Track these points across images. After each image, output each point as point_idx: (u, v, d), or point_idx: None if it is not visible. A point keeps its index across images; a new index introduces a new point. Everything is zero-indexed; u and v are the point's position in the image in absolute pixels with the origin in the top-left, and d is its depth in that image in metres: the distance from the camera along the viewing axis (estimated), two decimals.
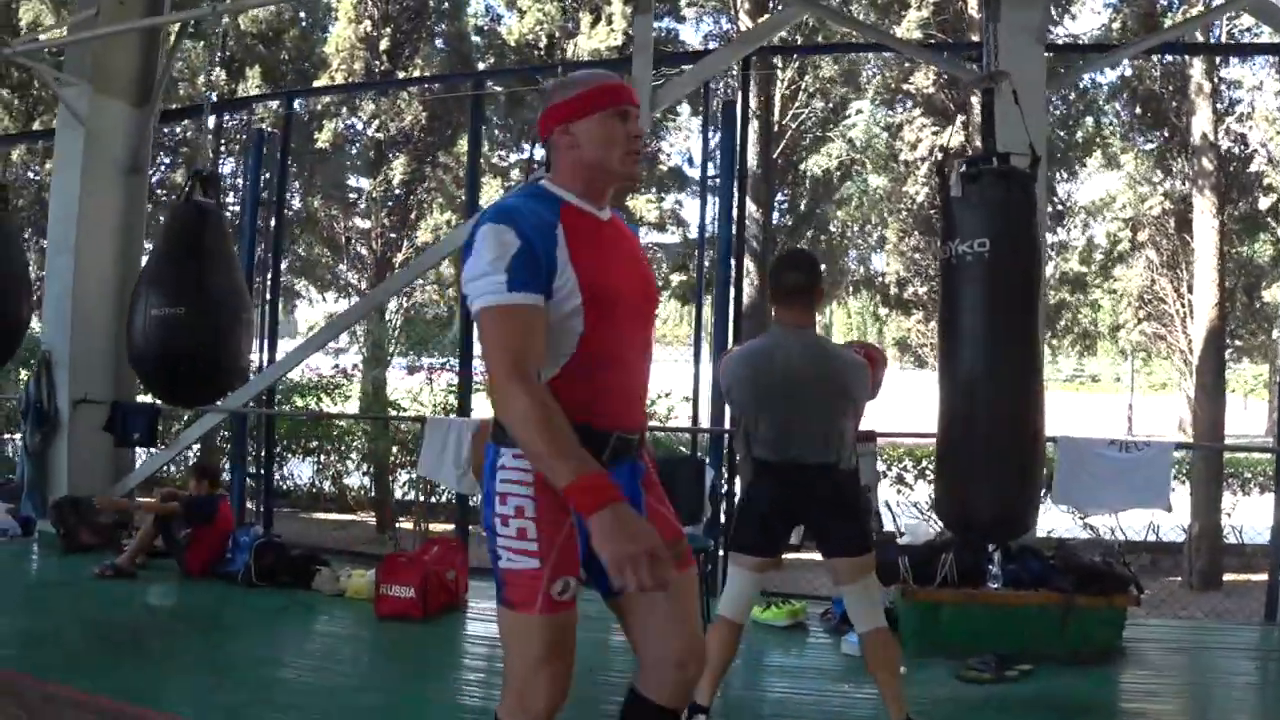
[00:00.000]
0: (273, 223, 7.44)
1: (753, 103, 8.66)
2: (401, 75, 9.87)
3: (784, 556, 3.36)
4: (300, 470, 11.62)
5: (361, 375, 10.63)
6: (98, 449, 6.84)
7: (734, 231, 5.60)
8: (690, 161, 11.77)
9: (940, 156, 3.92)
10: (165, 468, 8.18)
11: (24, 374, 7.62)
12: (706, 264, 6.06)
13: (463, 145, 9.39)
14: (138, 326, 5.14)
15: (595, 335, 1.86)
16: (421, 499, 10.52)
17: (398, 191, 10.36)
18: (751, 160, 8.79)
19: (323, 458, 10.96)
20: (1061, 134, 10.11)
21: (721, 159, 5.63)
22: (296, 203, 10.34)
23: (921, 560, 4.47)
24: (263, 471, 7.04)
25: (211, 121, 6.88)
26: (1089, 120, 10.99)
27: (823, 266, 3.62)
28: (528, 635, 1.86)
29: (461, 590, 5.25)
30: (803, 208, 10.84)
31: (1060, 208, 10.16)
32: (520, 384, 1.73)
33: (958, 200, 3.63)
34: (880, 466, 8.15)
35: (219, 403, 6.25)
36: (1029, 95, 4.19)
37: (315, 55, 10.27)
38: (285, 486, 11.64)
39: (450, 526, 10.34)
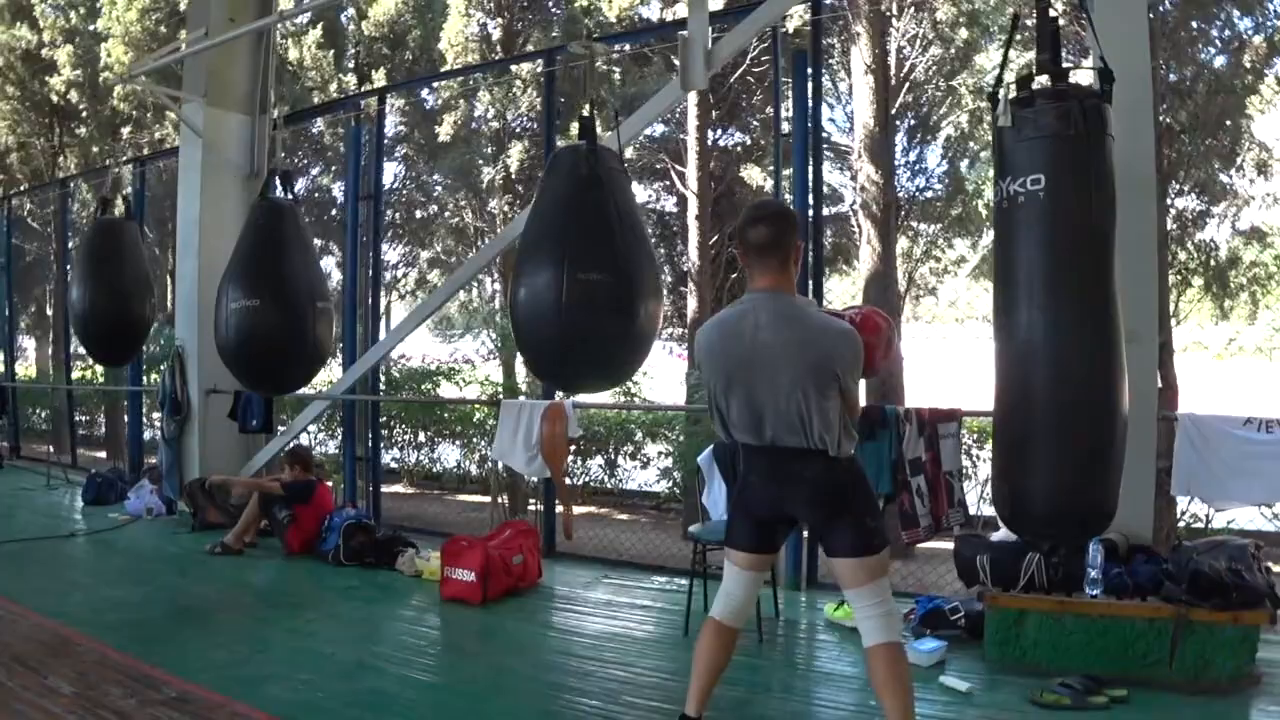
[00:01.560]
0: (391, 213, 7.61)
1: (865, 55, 8.00)
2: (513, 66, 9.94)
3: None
4: (449, 454, 12.14)
5: (500, 360, 10.79)
6: (226, 435, 7.29)
7: (809, 200, 5.09)
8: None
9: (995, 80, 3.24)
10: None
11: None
12: None
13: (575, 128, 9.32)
14: (220, 319, 5.34)
15: None
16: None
17: (515, 179, 10.48)
18: (869, 119, 8.13)
19: (464, 442, 11.34)
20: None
21: (795, 120, 5.15)
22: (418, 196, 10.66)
23: (1006, 559, 3.85)
24: (370, 455, 7.21)
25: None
26: None
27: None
28: None
29: (532, 576, 5.18)
30: (937, 169, 9.95)
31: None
32: None
33: (1008, 131, 3.05)
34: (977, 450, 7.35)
35: (320, 390, 6.44)
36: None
37: (437, 53, 10.53)
38: (436, 469, 12.23)
39: (587, 509, 10.62)
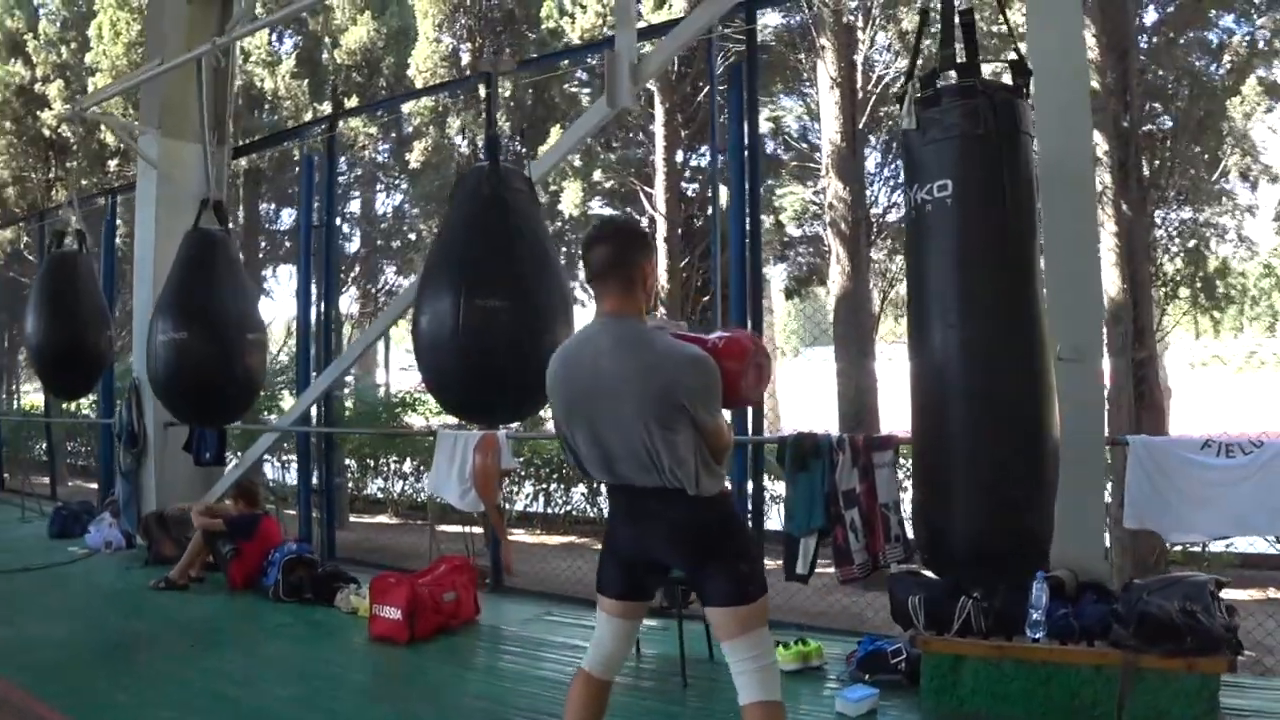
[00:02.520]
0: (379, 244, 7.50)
1: (831, 69, 7.78)
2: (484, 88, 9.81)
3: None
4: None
5: None
6: (184, 468, 7.15)
7: (745, 218, 4.87)
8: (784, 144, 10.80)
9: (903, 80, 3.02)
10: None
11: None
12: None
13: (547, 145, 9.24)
14: (150, 351, 5.22)
15: None
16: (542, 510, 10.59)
17: None
18: (835, 134, 7.90)
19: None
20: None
21: (730, 133, 4.94)
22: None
23: (941, 599, 3.57)
24: (325, 486, 7.05)
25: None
26: None
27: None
28: None
29: (466, 613, 4.97)
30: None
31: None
32: None
33: (913, 134, 2.83)
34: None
35: (271, 422, 6.28)
36: None
37: (409, 79, 10.47)
38: (421, 499, 12.06)
39: (568, 539, 10.40)
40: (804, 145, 10.26)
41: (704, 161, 10.17)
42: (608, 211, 10.16)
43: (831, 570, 4.11)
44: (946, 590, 3.60)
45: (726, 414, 2.61)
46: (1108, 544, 4.75)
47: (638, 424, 2.36)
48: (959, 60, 2.78)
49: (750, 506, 4.87)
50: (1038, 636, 3.37)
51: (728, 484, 2.55)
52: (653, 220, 9.53)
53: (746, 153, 4.91)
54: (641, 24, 6.97)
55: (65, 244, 6.74)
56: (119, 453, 7.39)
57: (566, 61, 8.40)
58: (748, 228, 4.89)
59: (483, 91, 5.53)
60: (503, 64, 4.51)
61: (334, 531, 6.90)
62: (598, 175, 9.67)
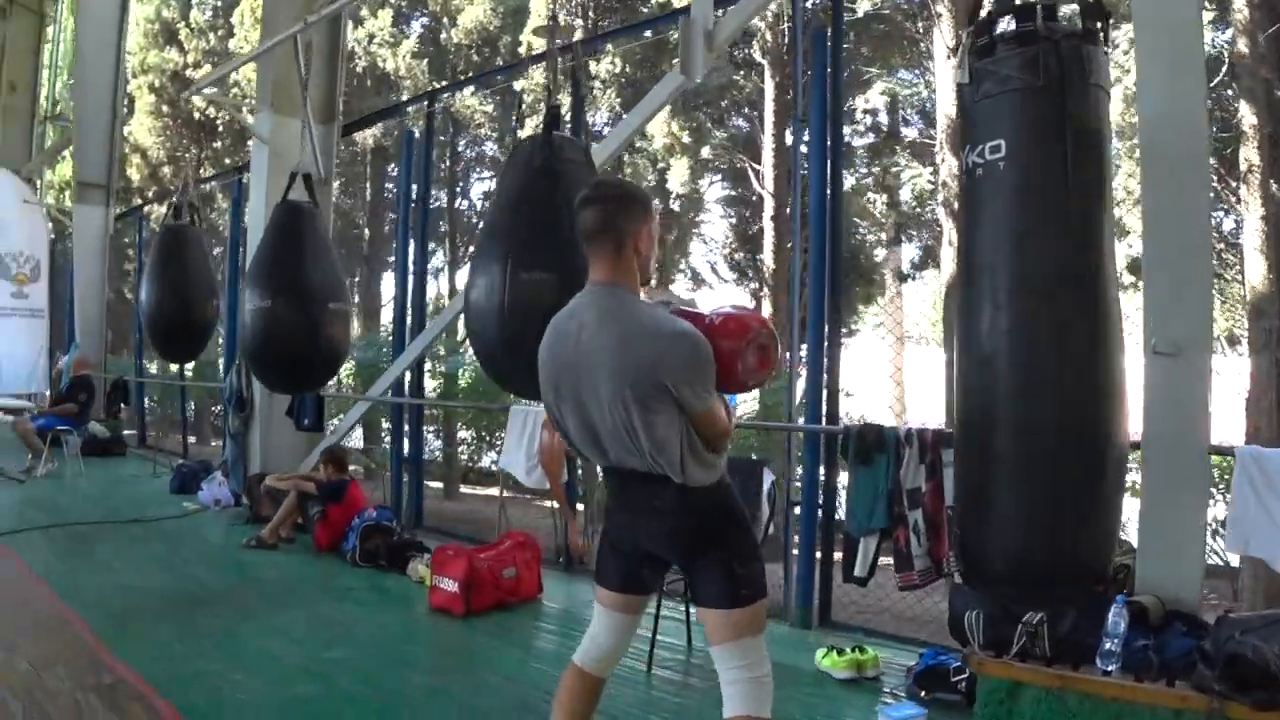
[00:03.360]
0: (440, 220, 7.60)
1: (947, 38, 7.23)
2: (593, 64, 9.75)
3: None
4: None
5: None
6: (287, 432, 7.46)
7: (827, 197, 4.57)
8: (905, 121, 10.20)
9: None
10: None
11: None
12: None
13: (650, 125, 9.07)
14: (241, 320, 5.39)
15: None
16: None
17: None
18: (951, 108, 7.35)
19: None
20: None
21: (813, 106, 4.64)
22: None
23: (1000, 617, 3.21)
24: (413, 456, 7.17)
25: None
26: None
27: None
28: None
29: (527, 590, 4.96)
30: None
31: None
32: None
33: (966, 88, 2.52)
34: None
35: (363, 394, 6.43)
36: None
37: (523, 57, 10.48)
38: None
39: None
40: (921, 122, 9.67)
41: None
42: (716, 189, 9.91)
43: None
44: (1008, 607, 3.25)
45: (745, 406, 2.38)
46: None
47: (616, 402, 2.17)
48: (1017, 1, 2.43)
49: (821, 500, 4.58)
50: (1110, 669, 2.95)
51: (724, 474, 2.31)
52: (760, 198, 9.23)
53: (827, 126, 4.60)
54: None
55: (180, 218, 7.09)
56: (229, 416, 7.77)
57: (648, 33, 8.19)
58: (828, 206, 4.59)
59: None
60: (566, 29, 4.36)
61: (421, 501, 7.01)
62: (706, 152, 9.42)
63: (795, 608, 4.55)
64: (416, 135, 7.26)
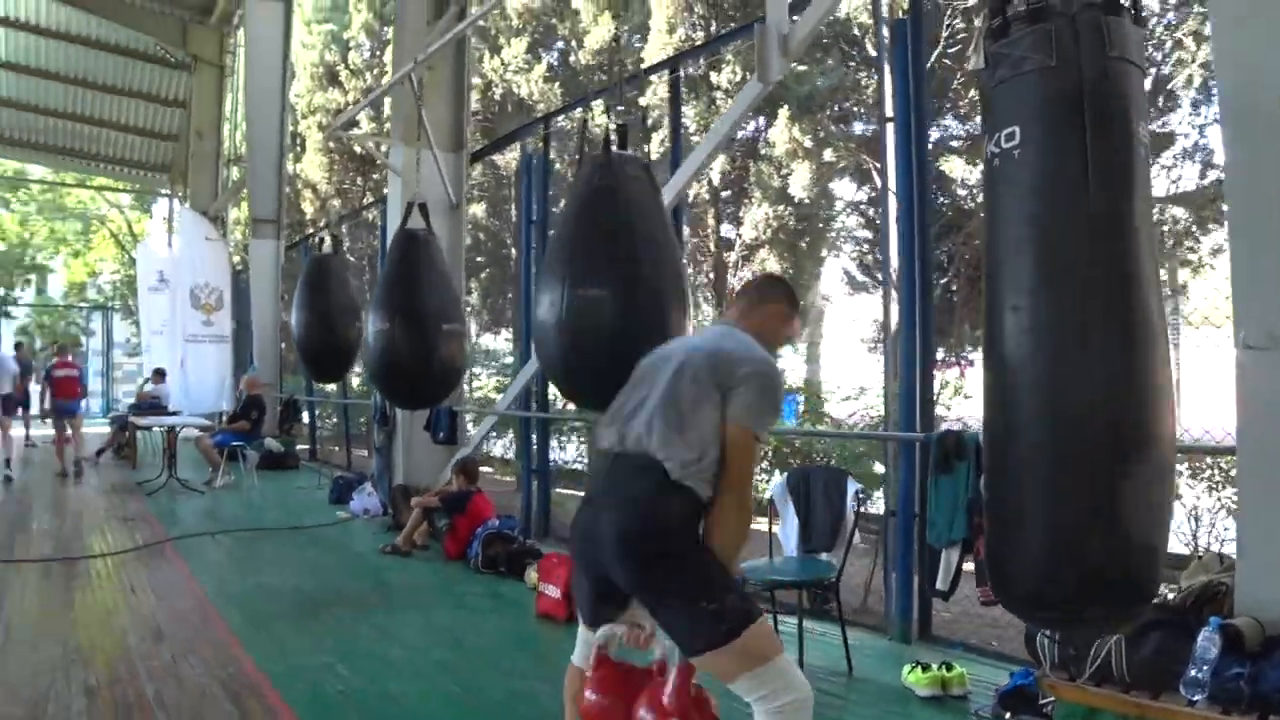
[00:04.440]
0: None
1: None
2: (714, 76, 9.76)
3: None
4: None
5: None
6: (427, 445, 7.90)
7: (912, 196, 4.43)
8: None
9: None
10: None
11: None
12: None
13: (772, 135, 8.99)
14: (366, 342, 5.80)
15: None
16: None
17: (719, 191, 10.27)
18: None
19: None
20: None
21: (896, 102, 4.51)
22: None
23: (1075, 637, 3.00)
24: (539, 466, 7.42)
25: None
26: None
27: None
28: None
29: None
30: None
31: None
32: None
33: (983, 74, 2.41)
34: None
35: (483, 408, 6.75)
36: None
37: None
38: None
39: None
40: None
41: (941, 134, 9.38)
42: (840, 191, 9.70)
43: None
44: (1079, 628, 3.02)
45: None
46: None
47: (678, 380, 2.22)
48: None
49: (917, 511, 4.42)
50: (1195, 699, 2.69)
51: (701, 508, 2.17)
52: (884, 198, 8.94)
53: (911, 123, 4.46)
54: None
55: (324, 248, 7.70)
56: (375, 431, 8.35)
57: (734, 43, 8.12)
58: (916, 206, 4.45)
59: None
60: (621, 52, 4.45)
61: (549, 509, 7.25)
62: (830, 155, 9.25)
63: (894, 620, 4.41)
64: (534, 160, 7.55)
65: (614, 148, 3.99)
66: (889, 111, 4.70)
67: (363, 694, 3.67)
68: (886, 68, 4.85)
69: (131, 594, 5.17)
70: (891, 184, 4.63)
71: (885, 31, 5.19)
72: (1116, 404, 2.19)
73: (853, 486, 4.17)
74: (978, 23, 2.44)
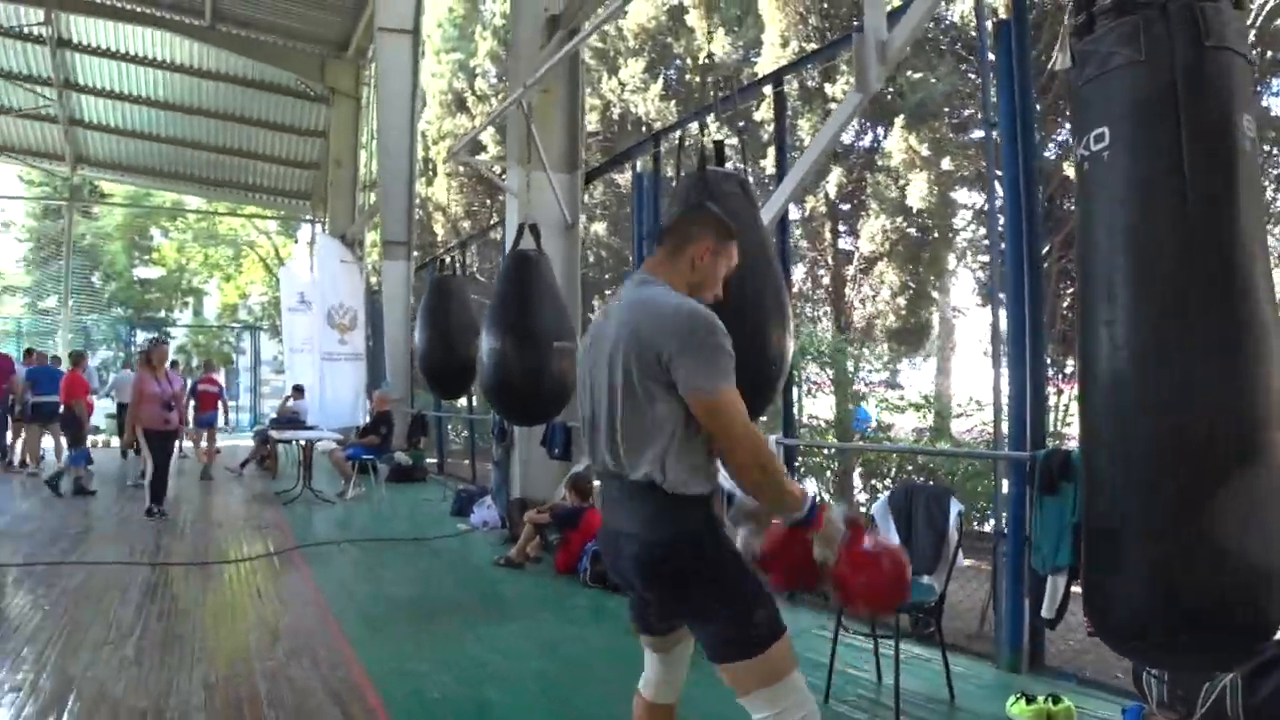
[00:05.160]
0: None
1: None
2: (829, 87, 9.58)
3: None
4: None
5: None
6: (541, 461, 8.07)
7: (1021, 208, 4.23)
8: None
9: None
10: None
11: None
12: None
13: (887, 146, 8.76)
14: (480, 360, 6.01)
15: None
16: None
17: (836, 203, 10.05)
18: None
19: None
20: None
21: (1000, 107, 4.31)
22: None
23: (1184, 674, 2.78)
24: None
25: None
26: None
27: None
28: None
29: None
30: None
31: None
32: None
33: (1071, 73, 2.30)
34: None
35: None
36: None
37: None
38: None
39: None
40: None
41: (1065, 139, 8.87)
42: (965, 199, 9.34)
43: None
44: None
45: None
46: None
47: (616, 384, 2.07)
48: None
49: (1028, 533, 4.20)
50: None
51: (714, 494, 2.09)
52: (991, 207, 8.56)
53: (1018, 128, 4.27)
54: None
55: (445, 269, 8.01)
56: (494, 446, 8.59)
57: (836, 58, 7.92)
58: (1024, 215, 4.25)
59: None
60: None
61: None
62: (948, 164, 8.95)
63: (1004, 649, 4.19)
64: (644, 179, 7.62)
65: (711, 164, 4.00)
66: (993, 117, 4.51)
67: (458, 700, 3.79)
68: (991, 73, 4.66)
69: (257, 597, 5.51)
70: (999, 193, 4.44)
71: (988, 34, 4.98)
72: (1219, 420, 2.03)
73: (955, 507, 3.99)
74: (1066, 20, 2.30)
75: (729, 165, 4.34)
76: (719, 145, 4.10)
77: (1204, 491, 2.00)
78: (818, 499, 2.13)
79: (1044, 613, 3.46)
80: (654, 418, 2.01)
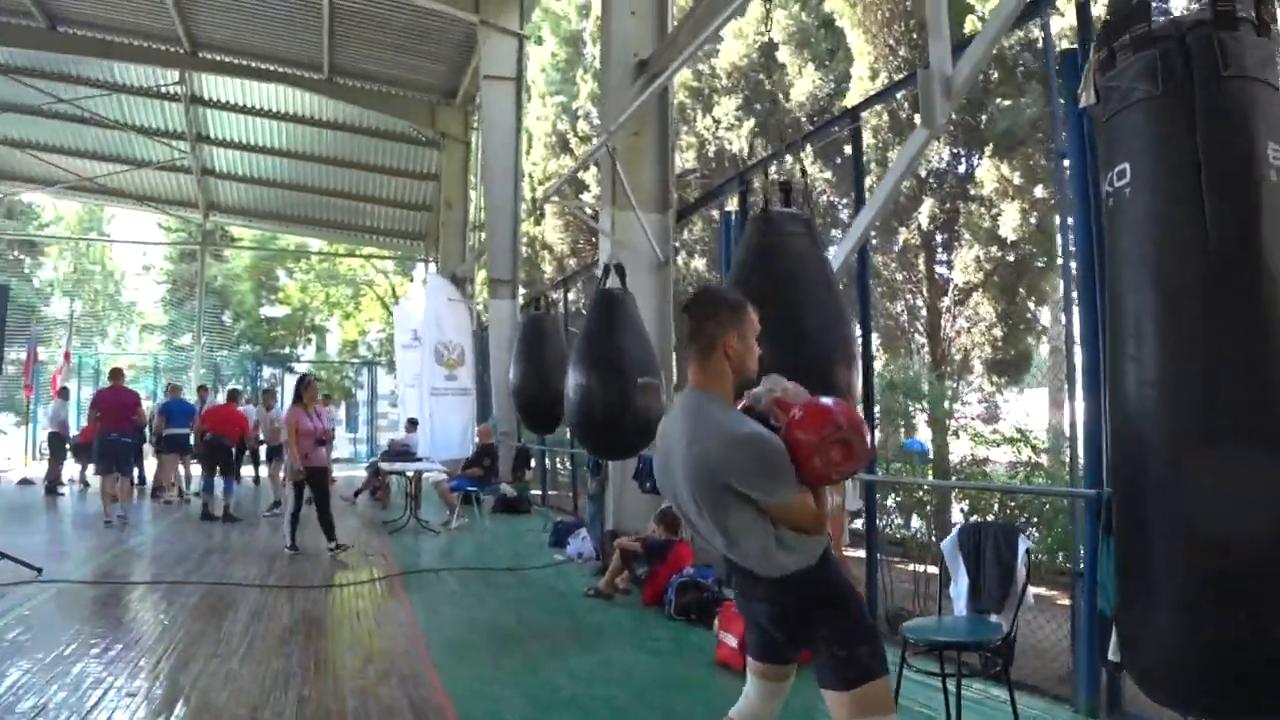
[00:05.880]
0: None
1: None
2: (918, 118, 9.44)
3: None
4: None
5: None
6: (634, 494, 8.20)
7: (1091, 248, 4.15)
8: None
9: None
10: None
11: None
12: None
13: (979, 174, 8.57)
14: (566, 395, 6.24)
15: None
16: None
17: (929, 235, 9.87)
18: None
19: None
20: None
21: (1070, 142, 4.25)
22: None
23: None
24: None
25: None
26: None
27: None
28: None
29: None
30: None
31: None
32: None
33: (1095, 110, 2.35)
34: None
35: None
36: None
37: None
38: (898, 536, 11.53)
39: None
40: None
41: None
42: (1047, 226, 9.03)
43: None
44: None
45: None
46: None
47: (692, 502, 2.34)
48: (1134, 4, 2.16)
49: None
50: None
51: (825, 551, 2.35)
52: (1064, 235, 8.27)
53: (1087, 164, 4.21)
54: None
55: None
56: (589, 479, 8.80)
57: (901, 93, 7.78)
58: (1094, 241, 4.17)
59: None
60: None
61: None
62: (1040, 191, 8.71)
63: (1083, 692, 4.07)
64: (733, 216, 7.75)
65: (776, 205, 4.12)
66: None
67: None
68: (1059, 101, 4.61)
69: (356, 620, 5.85)
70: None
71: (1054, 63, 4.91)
72: (1246, 455, 2.01)
73: (1024, 544, 3.93)
74: (1090, 54, 2.33)
75: (794, 204, 4.42)
76: (785, 186, 4.22)
77: (1235, 545, 1.99)
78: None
79: (1110, 655, 3.35)
80: (737, 527, 2.27)
